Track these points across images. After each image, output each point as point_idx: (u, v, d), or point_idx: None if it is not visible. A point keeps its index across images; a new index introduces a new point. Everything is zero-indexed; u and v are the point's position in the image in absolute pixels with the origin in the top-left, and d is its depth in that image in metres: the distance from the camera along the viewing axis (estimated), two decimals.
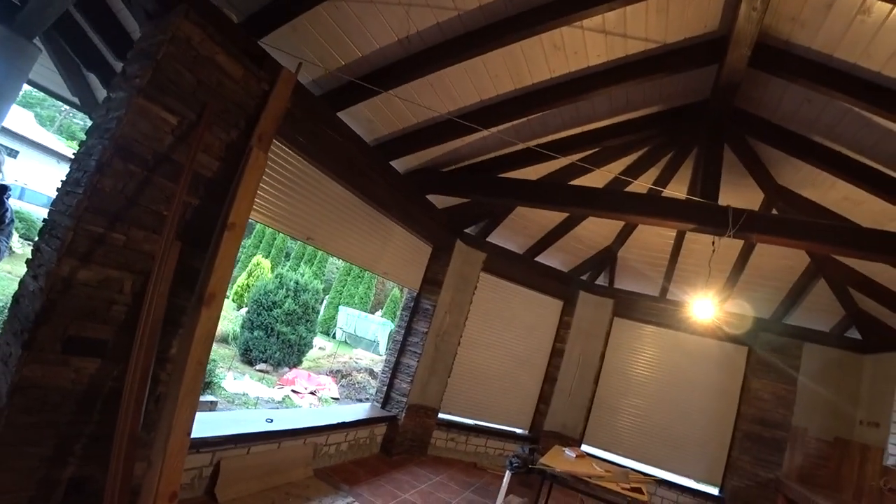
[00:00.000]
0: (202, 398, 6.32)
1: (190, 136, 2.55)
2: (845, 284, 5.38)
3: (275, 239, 20.21)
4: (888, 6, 2.53)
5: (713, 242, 3.77)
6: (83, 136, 2.47)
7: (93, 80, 4.98)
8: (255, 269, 15.13)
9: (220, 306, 2.66)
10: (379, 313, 19.27)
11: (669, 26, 3.30)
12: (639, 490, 3.61)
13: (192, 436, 2.43)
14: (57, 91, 5.72)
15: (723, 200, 3.72)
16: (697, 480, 6.17)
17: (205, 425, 3.38)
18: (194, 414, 2.41)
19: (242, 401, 7.51)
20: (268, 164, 3.36)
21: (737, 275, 5.89)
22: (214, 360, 7.00)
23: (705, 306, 3.85)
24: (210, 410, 5.40)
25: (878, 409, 5.06)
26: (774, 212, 4.92)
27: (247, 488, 3.56)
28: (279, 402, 7.92)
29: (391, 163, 4.44)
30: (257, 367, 9.69)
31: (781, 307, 6.06)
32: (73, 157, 2.46)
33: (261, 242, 20.68)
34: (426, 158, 4.74)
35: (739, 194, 4.94)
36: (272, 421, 3.96)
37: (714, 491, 6.04)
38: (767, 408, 5.89)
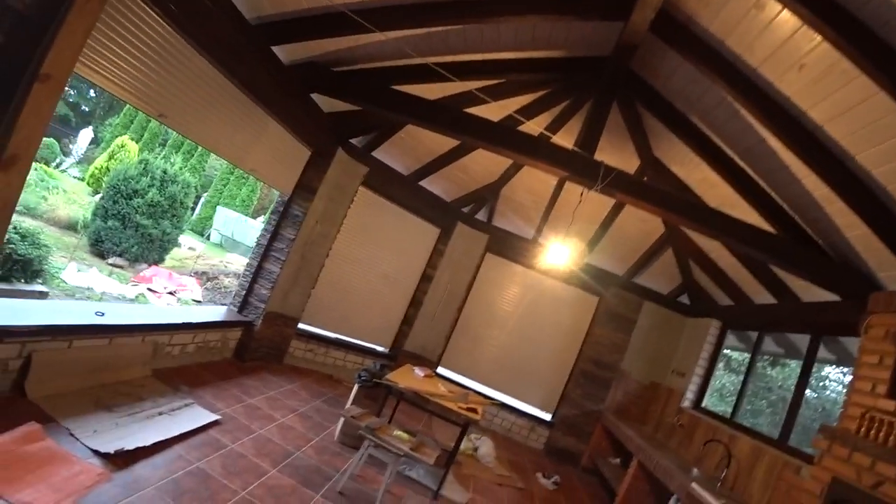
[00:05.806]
0: (27, 287, 5.51)
1: None
2: (687, 256, 6.14)
3: (149, 121, 17.67)
4: (778, 7, 2.67)
5: (581, 193, 3.98)
6: None
7: None
8: (118, 152, 13.20)
9: (22, 172, 2.21)
10: (262, 219, 18.15)
11: None
12: (474, 410, 3.92)
13: None
14: None
15: (603, 159, 3.89)
16: (536, 407, 6.96)
17: (13, 313, 2.93)
18: None
19: (86, 295, 6.73)
20: (118, 21, 2.77)
21: (603, 231, 6.40)
22: (48, 247, 6.07)
23: (560, 252, 4.07)
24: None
25: (686, 362, 6.08)
26: (645, 180, 5.32)
27: (67, 384, 3.21)
28: (131, 300, 7.25)
29: (273, 48, 3.92)
30: (109, 260, 8.70)
31: (633, 267, 6.78)
32: None
33: (131, 123, 17.96)
34: (315, 52, 4.23)
35: (618, 157, 5.24)
36: (103, 314, 3.56)
37: (547, 417, 6.89)
38: (604, 352, 6.71)
